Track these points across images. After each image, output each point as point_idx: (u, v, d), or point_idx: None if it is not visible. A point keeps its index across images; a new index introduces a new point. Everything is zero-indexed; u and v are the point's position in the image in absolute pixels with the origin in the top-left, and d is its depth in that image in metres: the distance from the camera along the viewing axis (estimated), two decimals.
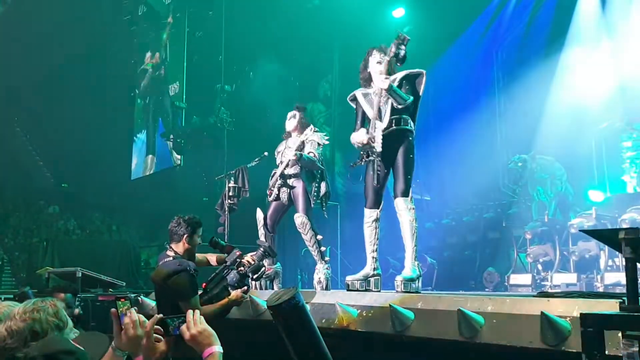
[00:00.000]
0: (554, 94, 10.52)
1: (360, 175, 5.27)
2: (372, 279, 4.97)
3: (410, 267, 4.72)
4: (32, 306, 2.37)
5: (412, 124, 4.97)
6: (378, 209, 5.02)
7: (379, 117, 4.93)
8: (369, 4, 12.21)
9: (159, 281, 4.16)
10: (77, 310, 2.80)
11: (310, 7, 12.69)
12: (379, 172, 4.89)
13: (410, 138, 4.90)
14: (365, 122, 5.18)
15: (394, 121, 4.89)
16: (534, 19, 11.02)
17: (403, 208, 4.80)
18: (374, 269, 5.01)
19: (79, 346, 2.15)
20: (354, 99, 5.29)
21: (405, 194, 4.80)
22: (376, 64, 5.08)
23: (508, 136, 11.26)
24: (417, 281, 4.65)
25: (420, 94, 5.02)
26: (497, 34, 11.53)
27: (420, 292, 4.58)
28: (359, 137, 4.97)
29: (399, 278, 4.66)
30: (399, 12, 12.26)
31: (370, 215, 5.03)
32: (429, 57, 10.65)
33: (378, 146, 4.84)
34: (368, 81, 5.20)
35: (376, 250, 5.06)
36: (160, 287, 4.20)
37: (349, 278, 5.02)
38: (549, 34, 10.77)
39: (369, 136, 4.89)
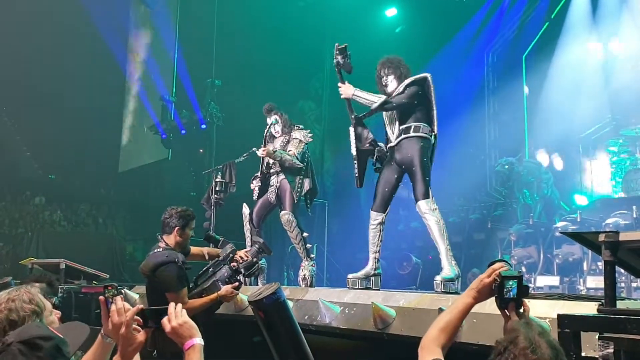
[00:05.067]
0: (543, 98, 10.59)
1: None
2: (372, 278, 5.07)
3: (448, 267, 4.67)
4: (6, 296, 2.37)
5: (427, 129, 4.99)
6: (384, 213, 5.09)
7: (392, 130, 5.12)
8: (362, 3, 12.23)
9: (146, 272, 4.14)
10: (53, 300, 2.78)
11: (302, 4, 12.67)
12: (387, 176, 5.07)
13: (422, 143, 4.92)
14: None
15: (402, 131, 4.99)
16: (526, 22, 11.08)
17: (426, 210, 4.79)
18: (375, 269, 5.09)
19: (58, 334, 2.15)
20: None
21: (425, 196, 4.81)
22: (385, 86, 5.18)
23: (497, 138, 11.32)
24: (456, 281, 4.60)
25: (432, 97, 5.03)
26: (488, 36, 11.57)
27: (459, 293, 4.46)
28: None
29: (438, 278, 4.60)
30: (391, 12, 12.29)
31: (375, 218, 5.11)
32: (421, 57, 10.67)
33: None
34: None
35: (379, 252, 5.14)
36: (149, 278, 4.18)
37: (350, 276, 5.07)
38: (540, 38, 10.84)
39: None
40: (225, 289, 4.23)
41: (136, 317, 2.24)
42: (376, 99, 4.98)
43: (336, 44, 5.00)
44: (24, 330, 2.02)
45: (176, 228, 4.24)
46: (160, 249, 4.20)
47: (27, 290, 2.43)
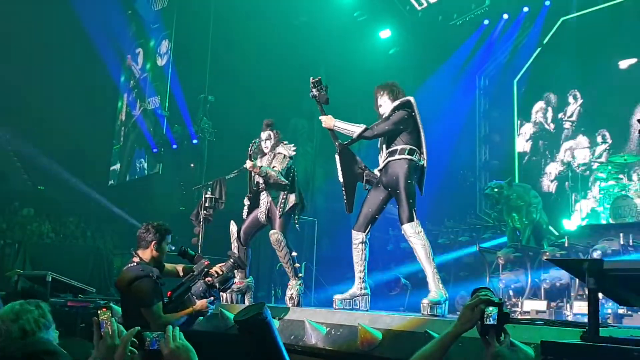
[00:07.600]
0: (533, 122, 10.68)
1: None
2: (360, 298, 5.02)
3: (435, 290, 4.65)
4: (19, 308, 2.44)
5: (412, 152, 4.96)
6: (364, 232, 5.07)
7: (381, 153, 5.16)
8: (357, 23, 12.34)
9: (121, 287, 4.14)
10: None
11: (298, 23, 12.76)
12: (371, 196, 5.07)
13: (407, 165, 4.90)
14: None
15: (389, 154, 5.01)
16: (518, 47, 11.22)
17: (412, 233, 4.79)
18: (361, 289, 5.05)
19: (61, 349, 2.17)
20: None
21: (410, 219, 4.80)
22: (379, 107, 5.22)
23: (487, 161, 11.40)
24: (443, 305, 4.56)
25: (418, 119, 5.02)
26: (481, 59, 11.70)
27: (446, 316, 4.45)
28: None
29: (425, 301, 4.57)
30: (385, 33, 12.40)
31: (356, 237, 5.09)
32: (414, 79, 10.76)
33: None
34: None
35: (364, 271, 5.10)
36: (123, 292, 4.17)
37: (336, 297, 5.03)
38: (532, 62, 10.97)
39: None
40: (200, 303, 4.23)
41: (133, 339, 2.25)
42: (356, 129, 5.03)
43: (311, 78, 5.06)
44: (29, 344, 2.04)
45: (153, 242, 4.25)
46: (135, 264, 4.20)
47: (38, 305, 2.51)
